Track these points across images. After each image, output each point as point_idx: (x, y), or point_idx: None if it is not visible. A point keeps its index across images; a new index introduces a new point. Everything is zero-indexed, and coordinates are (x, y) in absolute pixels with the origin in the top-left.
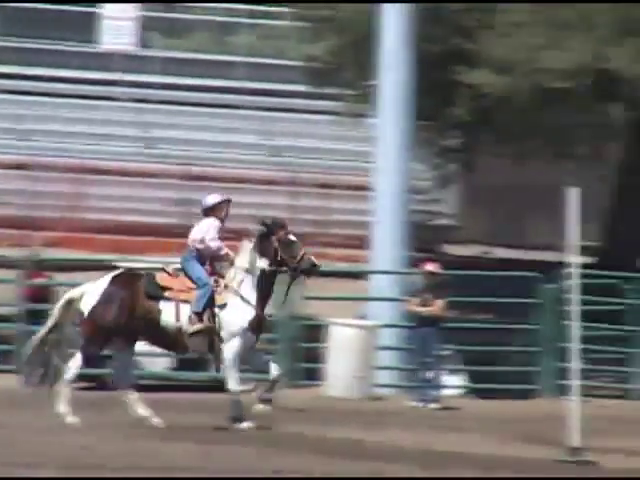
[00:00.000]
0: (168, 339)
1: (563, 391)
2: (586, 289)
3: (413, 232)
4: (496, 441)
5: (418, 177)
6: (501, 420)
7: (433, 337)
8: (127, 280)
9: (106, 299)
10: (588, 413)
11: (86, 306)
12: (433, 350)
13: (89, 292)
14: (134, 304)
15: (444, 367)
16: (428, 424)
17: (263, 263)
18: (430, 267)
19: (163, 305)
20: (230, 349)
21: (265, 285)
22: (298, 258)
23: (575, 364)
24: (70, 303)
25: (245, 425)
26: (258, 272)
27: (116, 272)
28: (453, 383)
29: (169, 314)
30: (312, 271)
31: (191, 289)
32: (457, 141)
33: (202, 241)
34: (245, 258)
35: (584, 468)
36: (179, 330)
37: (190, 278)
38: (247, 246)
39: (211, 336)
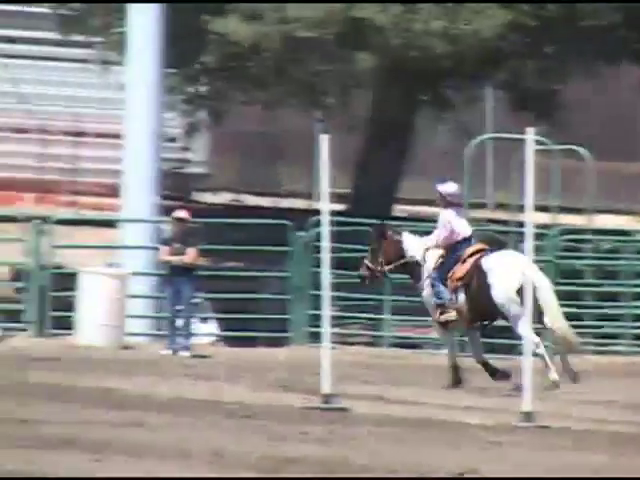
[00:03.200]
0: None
1: (314, 338)
2: (337, 236)
3: (164, 180)
4: (248, 389)
5: (168, 125)
6: (253, 368)
7: (185, 285)
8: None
9: None
10: (339, 360)
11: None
12: (185, 298)
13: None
14: None
15: (196, 315)
16: (180, 372)
17: None
18: (180, 214)
19: None
20: None
21: None
22: None
23: (326, 311)
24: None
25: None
26: None
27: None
28: (205, 331)
29: None
30: None
31: None
32: (206, 88)
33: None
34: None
35: (335, 414)
36: None
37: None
38: None
39: None
